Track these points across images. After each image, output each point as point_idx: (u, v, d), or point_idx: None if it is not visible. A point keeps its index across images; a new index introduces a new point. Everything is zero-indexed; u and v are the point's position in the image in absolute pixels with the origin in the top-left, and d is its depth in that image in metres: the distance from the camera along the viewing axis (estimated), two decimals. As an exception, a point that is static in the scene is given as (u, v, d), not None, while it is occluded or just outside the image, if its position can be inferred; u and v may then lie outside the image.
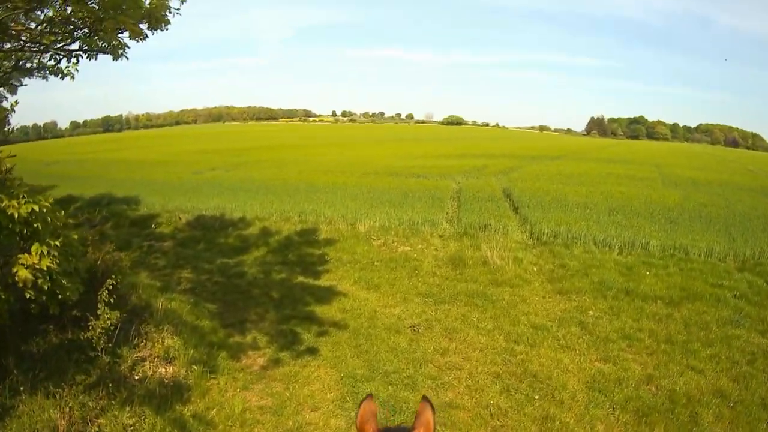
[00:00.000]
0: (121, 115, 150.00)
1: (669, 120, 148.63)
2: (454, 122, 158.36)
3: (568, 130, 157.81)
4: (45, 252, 3.83)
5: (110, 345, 5.28)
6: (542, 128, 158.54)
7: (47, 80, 7.85)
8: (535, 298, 8.94)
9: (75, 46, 6.02)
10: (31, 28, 5.90)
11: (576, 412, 5.59)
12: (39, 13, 5.93)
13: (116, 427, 4.60)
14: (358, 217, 13.31)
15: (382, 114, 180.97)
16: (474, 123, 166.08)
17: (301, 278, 9.84)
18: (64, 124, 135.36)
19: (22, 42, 6.07)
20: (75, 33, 5.91)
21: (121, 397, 4.88)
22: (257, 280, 9.76)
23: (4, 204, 3.72)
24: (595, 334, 7.48)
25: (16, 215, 3.71)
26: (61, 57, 6.27)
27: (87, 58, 6.05)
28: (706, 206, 15.23)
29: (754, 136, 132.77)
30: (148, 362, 5.63)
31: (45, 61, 7.30)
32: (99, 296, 5.05)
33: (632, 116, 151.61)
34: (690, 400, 5.79)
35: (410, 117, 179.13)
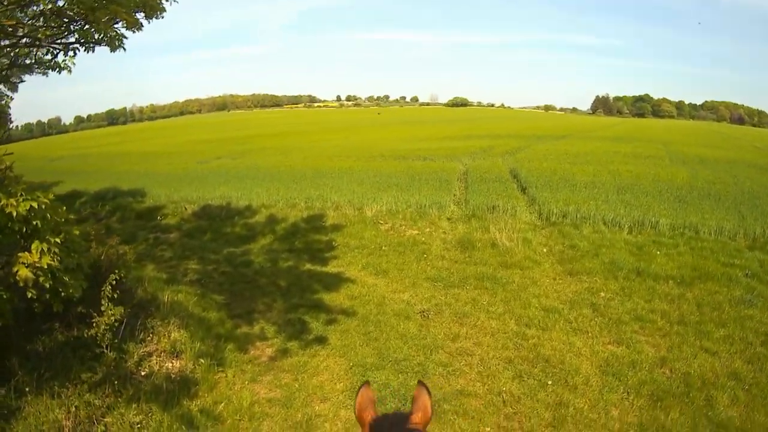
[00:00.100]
0: (125, 108, 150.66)
1: (674, 98, 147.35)
2: (459, 104, 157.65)
3: (574, 109, 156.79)
4: (45, 249, 3.76)
5: (116, 341, 5.24)
6: (547, 107, 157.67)
7: (47, 76, 7.85)
8: (546, 280, 8.81)
9: (71, 39, 5.92)
10: (24, 23, 5.79)
11: (590, 397, 5.50)
12: (34, 8, 5.81)
13: (123, 426, 4.56)
14: (365, 202, 13.17)
15: (387, 97, 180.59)
16: (479, 104, 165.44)
17: (308, 266, 9.73)
18: (68, 119, 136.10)
19: (17, 38, 5.96)
20: (71, 26, 5.80)
21: (128, 394, 4.83)
22: (264, 269, 9.66)
23: (2, 203, 3.65)
24: (607, 316, 7.36)
25: (15, 213, 3.64)
26: (57, 51, 6.19)
27: (84, 50, 5.97)
28: (715, 184, 15.05)
29: (760, 113, 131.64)
30: (154, 357, 5.57)
31: (42, 56, 7.25)
32: (102, 292, 5.00)
33: (637, 94, 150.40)
34: (705, 383, 5.67)
35: (415, 99, 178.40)
